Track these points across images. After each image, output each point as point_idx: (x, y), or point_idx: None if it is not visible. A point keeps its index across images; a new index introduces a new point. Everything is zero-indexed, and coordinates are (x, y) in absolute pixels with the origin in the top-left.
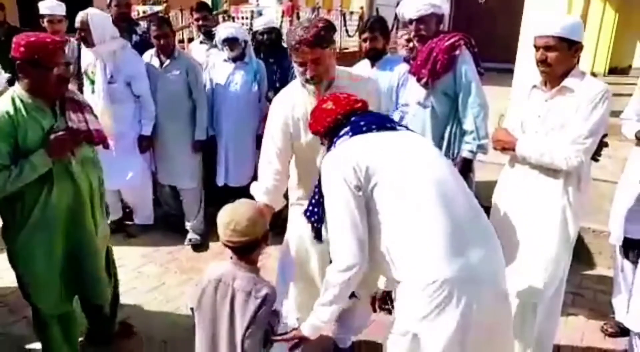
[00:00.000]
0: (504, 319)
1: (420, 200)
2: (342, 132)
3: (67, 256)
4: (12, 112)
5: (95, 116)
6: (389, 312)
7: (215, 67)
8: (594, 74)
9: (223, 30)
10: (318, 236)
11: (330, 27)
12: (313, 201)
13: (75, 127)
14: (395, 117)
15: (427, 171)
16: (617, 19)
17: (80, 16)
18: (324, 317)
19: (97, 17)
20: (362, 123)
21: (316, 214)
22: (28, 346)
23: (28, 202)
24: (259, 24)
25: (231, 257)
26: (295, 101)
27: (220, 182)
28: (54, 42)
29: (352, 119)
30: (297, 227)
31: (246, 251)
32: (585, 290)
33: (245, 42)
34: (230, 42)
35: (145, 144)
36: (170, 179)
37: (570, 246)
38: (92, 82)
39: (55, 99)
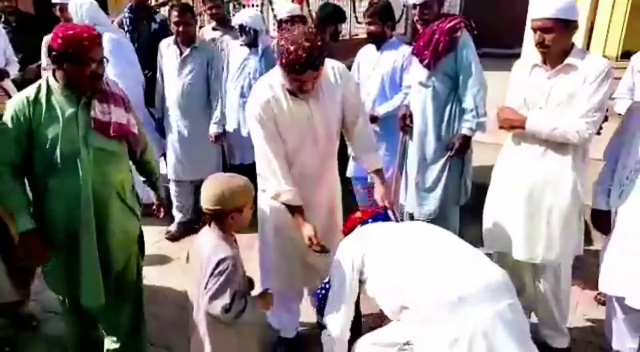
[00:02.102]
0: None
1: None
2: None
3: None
4: (32, 97)
5: (128, 110)
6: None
7: (232, 51)
8: (606, 58)
9: (237, 17)
10: (321, 312)
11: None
12: (327, 286)
13: (99, 118)
14: (399, 98)
15: (414, 232)
16: (630, 2)
17: None
18: None
19: (74, 6)
20: (370, 220)
21: (325, 298)
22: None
23: (37, 188)
24: (282, 12)
25: (209, 224)
26: (277, 100)
27: (235, 161)
28: (91, 38)
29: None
30: (270, 212)
31: (215, 218)
32: (582, 263)
33: (255, 30)
34: (240, 28)
35: None
36: (193, 173)
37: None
38: None
39: (86, 92)
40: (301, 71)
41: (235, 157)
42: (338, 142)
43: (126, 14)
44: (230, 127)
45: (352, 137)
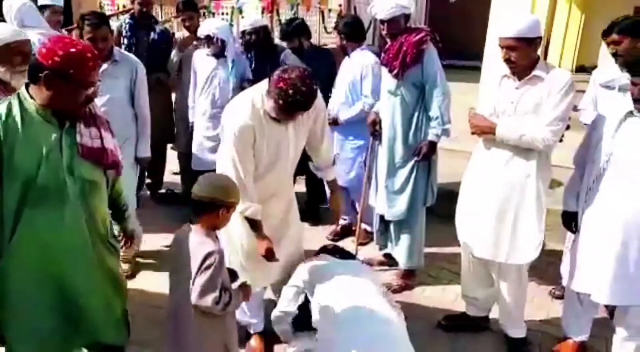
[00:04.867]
0: None
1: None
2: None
3: (60, 295)
4: (3, 117)
5: (114, 134)
6: None
7: (198, 61)
8: None
9: (203, 27)
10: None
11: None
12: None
13: (88, 144)
14: (358, 106)
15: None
16: (584, 18)
17: None
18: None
19: (6, 6)
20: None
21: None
22: None
23: (7, 221)
24: (245, 24)
25: (190, 221)
26: (258, 122)
27: (200, 167)
28: (94, 58)
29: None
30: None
31: (206, 209)
32: (538, 262)
33: (223, 41)
34: (207, 39)
35: None
36: None
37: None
38: None
39: (70, 115)
40: (295, 111)
41: (201, 163)
42: None
43: (126, 20)
44: (198, 134)
45: (316, 154)
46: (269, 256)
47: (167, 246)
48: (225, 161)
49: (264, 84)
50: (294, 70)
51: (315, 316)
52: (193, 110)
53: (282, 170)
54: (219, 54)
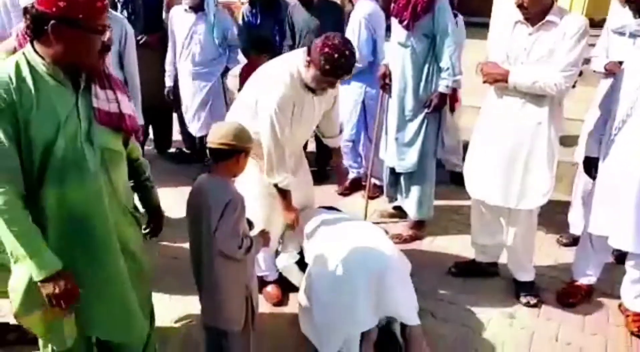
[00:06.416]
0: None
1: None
2: None
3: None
4: (14, 82)
5: (130, 97)
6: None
7: (176, 18)
8: None
9: None
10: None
11: None
12: None
13: (105, 108)
14: None
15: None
16: None
17: None
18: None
19: None
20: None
21: None
22: None
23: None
24: None
25: (209, 171)
26: (297, 94)
27: (197, 132)
28: None
29: None
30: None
31: (223, 156)
32: (546, 212)
33: None
34: None
35: None
36: None
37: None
38: None
39: (85, 72)
40: (341, 76)
41: (196, 128)
42: None
43: None
44: (185, 99)
45: (323, 122)
46: (295, 225)
47: (178, 203)
48: (263, 133)
49: (295, 56)
50: (335, 36)
51: (307, 253)
52: (170, 73)
53: (307, 134)
54: (198, 7)
